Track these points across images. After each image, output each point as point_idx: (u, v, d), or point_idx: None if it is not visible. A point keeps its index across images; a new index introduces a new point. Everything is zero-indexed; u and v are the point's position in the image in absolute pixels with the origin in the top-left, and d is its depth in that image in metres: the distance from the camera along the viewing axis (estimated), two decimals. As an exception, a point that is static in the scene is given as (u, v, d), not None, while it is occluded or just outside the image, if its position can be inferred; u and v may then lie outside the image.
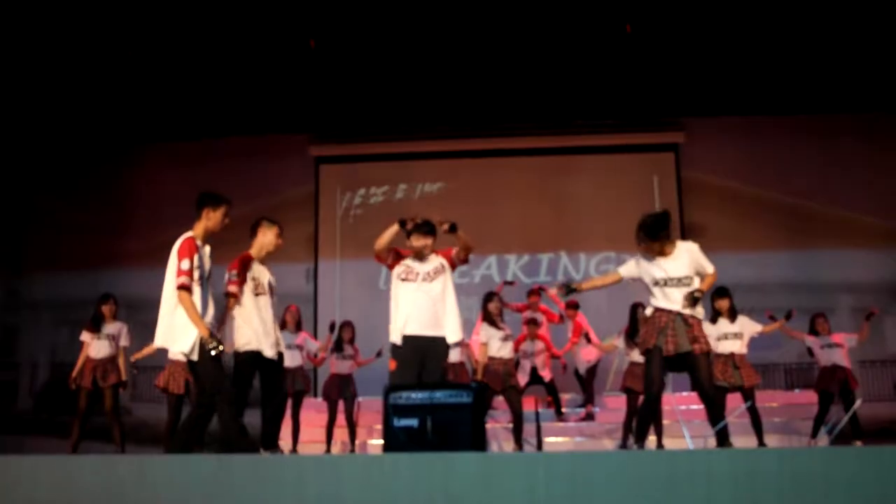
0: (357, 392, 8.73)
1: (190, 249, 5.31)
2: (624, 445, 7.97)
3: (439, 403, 4.61)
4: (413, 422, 4.62)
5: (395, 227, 6.10)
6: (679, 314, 5.74)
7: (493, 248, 10.86)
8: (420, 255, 6.19)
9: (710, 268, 5.85)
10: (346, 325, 8.86)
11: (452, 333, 6.10)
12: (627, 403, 8.04)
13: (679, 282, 5.84)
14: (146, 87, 10.22)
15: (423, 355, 6.03)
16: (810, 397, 9.64)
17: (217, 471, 3.80)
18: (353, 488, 3.62)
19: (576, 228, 11.02)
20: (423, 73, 9.94)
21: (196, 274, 5.30)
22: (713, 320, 7.72)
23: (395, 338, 6.09)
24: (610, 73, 10.04)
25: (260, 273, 5.96)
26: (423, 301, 6.11)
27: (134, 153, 11.49)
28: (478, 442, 4.71)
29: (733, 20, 9.14)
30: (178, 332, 5.27)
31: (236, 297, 5.77)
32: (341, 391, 8.66)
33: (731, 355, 7.63)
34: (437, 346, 6.08)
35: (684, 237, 10.90)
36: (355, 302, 10.58)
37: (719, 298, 7.78)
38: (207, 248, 5.50)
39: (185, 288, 5.19)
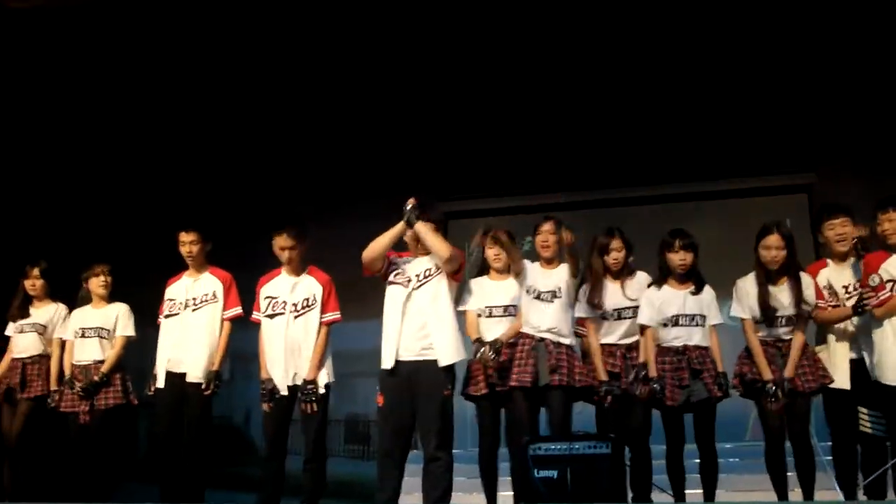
0: None
1: None
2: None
3: (578, 454, 4.70)
4: (552, 473, 4.72)
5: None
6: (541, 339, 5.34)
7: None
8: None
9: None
10: None
11: (445, 355, 5.14)
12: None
13: (552, 295, 5.48)
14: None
15: (414, 385, 5.10)
16: None
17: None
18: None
19: (708, 274, 10.79)
20: (549, 130, 10.26)
21: None
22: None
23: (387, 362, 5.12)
24: (738, 118, 10.06)
25: (176, 291, 5.91)
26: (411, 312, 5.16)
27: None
28: (617, 493, 4.76)
29: (864, 59, 8.98)
30: None
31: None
32: None
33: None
34: (429, 373, 5.11)
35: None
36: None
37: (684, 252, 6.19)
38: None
39: None
